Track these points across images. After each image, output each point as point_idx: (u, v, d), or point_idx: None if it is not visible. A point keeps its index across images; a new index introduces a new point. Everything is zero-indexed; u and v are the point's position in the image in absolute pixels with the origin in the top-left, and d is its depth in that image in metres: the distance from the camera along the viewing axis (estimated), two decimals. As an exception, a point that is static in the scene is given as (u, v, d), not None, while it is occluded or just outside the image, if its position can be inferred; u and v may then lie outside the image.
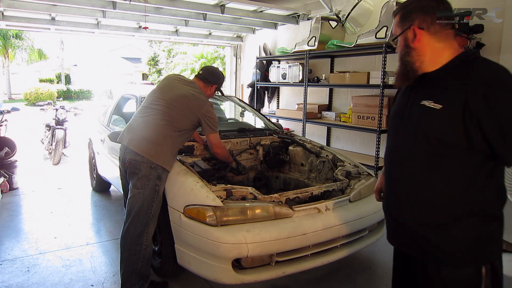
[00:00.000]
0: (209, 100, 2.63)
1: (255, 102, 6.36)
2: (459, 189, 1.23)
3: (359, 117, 4.38)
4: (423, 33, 1.28)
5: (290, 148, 3.41)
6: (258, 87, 6.25)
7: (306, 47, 4.87)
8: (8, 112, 5.48)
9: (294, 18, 5.73)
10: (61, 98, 20.01)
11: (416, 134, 1.29)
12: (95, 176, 4.73)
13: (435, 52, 1.29)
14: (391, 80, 3.92)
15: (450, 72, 1.27)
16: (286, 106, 6.17)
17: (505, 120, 1.13)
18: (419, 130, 1.28)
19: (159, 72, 27.31)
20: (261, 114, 4.45)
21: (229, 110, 6.21)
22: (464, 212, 1.24)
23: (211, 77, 2.66)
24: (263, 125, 4.03)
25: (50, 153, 6.41)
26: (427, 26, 1.28)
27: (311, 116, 5.07)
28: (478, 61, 1.24)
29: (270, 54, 6.16)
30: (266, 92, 6.51)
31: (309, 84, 5.00)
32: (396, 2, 3.69)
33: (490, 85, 1.15)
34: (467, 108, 1.16)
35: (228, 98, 4.74)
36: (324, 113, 5.11)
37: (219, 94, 2.84)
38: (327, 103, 5.30)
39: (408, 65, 1.35)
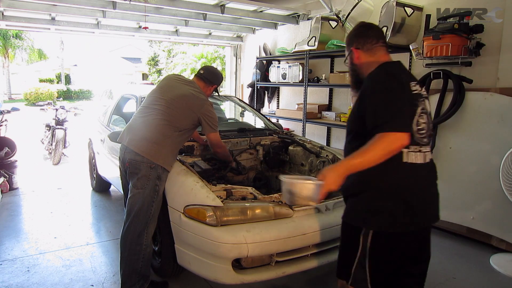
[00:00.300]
0: (209, 99, 2.64)
1: (255, 102, 6.36)
2: (380, 172, 1.54)
3: (359, 117, 4.37)
4: (359, 52, 1.73)
5: (290, 148, 3.41)
6: (258, 87, 6.25)
7: (306, 47, 4.87)
8: (8, 112, 5.49)
9: (294, 18, 5.73)
10: (61, 98, 20.00)
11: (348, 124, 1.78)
12: (95, 176, 4.74)
13: (369, 65, 1.70)
14: (391, 80, 3.92)
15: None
16: (286, 106, 6.17)
17: (367, 104, 1.56)
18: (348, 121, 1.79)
19: (159, 72, 27.30)
20: (261, 114, 4.45)
21: (229, 110, 6.21)
22: (367, 185, 1.61)
23: (212, 77, 2.67)
24: (263, 125, 4.03)
25: (50, 153, 6.41)
26: (361, 46, 1.73)
27: (311, 116, 5.06)
28: (377, 68, 1.66)
29: (270, 54, 6.16)
30: (266, 92, 6.51)
31: (309, 84, 5.00)
32: (396, 2, 3.69)
33: (367, 83, 1.63)
34: (358, 100, 1.65)
35: (228, 98, 4.74)
36: (324, 113, 5.11)
37: (216, 94, 2.85)
38: (327, 103, 5.30)
39: (353, 76, 1.80)
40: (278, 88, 6.34)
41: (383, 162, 1.49)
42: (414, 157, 1.57)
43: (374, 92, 1.57)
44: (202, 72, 2.69)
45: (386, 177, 1.56)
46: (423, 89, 1.70)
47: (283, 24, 6.02)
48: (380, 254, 1.62)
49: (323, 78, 5.02)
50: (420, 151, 1.59)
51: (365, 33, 1.74)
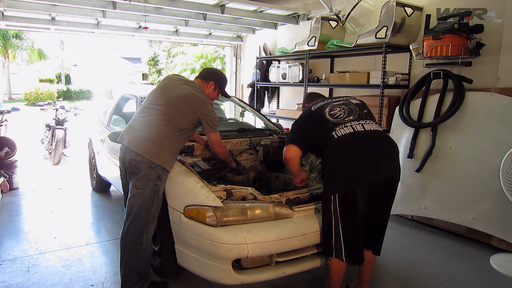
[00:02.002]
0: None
1: (255, 102, 6.36)
2: (322, 159, 2.26)
3: (359, 117, 4.37)
4: (308, 106, 2.55)
5: (290, 148, 3.40)
6: (258, 87, 6.24)
7: (306, 47, 4.87)
8: (8, 112, 5.49)
9: (294, 18, 5.73)
10: (61, 98, 19.97)
11: None
12: (95, 176, 4.74)
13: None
14: (391, 80, 3.92)
15: None
16: (286, 106, 6.17)
17: None
18: None
19: (159, 72, 27.28)
20: (261, 114, 4.45)
21: (229, 110, 6.21)
22: (325, 167, 2.17)
23: (208, 74, 2.68)
24: (263, 125, 4.03)
25: (50, 153, 6.41)
26: (307, 103, 2.64)
27: (311, 116, 5.05)
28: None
29: (270, 54, 6.16)
30: (266, 92, 6.51)
31: (309, 84, 5.00)
32: (396, 2, 3.69)
33: None
34: None
35: (228, 98, 4.73)
36: (324, 113, 5.11)
37: (224, 96, 2.83)
38: (327, 103, 5.30)
39: None
40: (278, 88, 6.34)
41: (325, 146, 2.15)
42: (342, 131, 2.14)
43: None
44: (201, 71, 2.73)
45: (331, 153, 2.14)
46: (344, 98, 2.39)
47: (283, 24, 6.02)
48: (345, 214, 2.07)
49: (323, 78, 5.02)
50: (346, 126, 2.16)
51: (311, 97, 2.70)
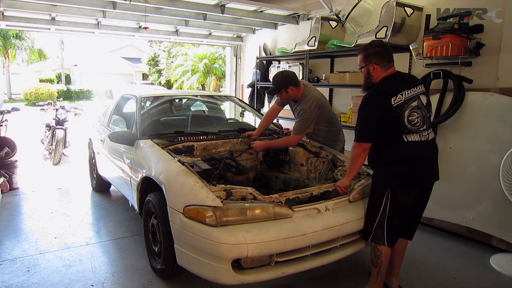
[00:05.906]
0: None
1: (255, 102, 6.36)
2: (377, 150, 2.36)
3: (359, 117, 4.36)
4: (377, 67, 2.34)
5: (290, 148, 3.41)
6: (258, 87, 6.25)
7: (306, 47, 4.86)
8: (8, 112, 5.48)
9: (294, 18, 5.73)
10: (61, 98, 20.00)
11: None
12: (95, 176, 4.74)
13: (380, 75, 2.36)
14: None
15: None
16: (286, 106, 6.16)
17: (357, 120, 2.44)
18: None
19: (159, 72, 27.30)
20: (261, 114, 4.44)
21: (229, 110, 6.21)
22: (382, 160, 2.35)
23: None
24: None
25: (50, 153, 6.41)
26: (379, 63, 2.33)
27: (311, 116, 5.05)
28: (372, 88, 2.37)
29: (270, 54, 6.16)
30: (266, 92, 6.51)
31: (309, 84, 4.99)
32: (396, 2, 3.69)
33: (360, 104, 2.36)
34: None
35: (228, 98, 4.74)
36: (324, 113, 5.10)
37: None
38: (327, 103, 5.30)
39: (368, 82, 2.41)
40: (278, 88, 6.33)
41: (391, 143, 2.28)
42: (411, 137, 2.26)
43: (358, 113, 2.38)
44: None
45: (394, 152, 2.30)
46: (419, 87, 2.33)
47: (283, 24, 6.02)
48: (395, 207, 2.29)
49: (323, 78, 5.02)
50: (416, 133, 2.27)
51: (384, 54, 2.34)
